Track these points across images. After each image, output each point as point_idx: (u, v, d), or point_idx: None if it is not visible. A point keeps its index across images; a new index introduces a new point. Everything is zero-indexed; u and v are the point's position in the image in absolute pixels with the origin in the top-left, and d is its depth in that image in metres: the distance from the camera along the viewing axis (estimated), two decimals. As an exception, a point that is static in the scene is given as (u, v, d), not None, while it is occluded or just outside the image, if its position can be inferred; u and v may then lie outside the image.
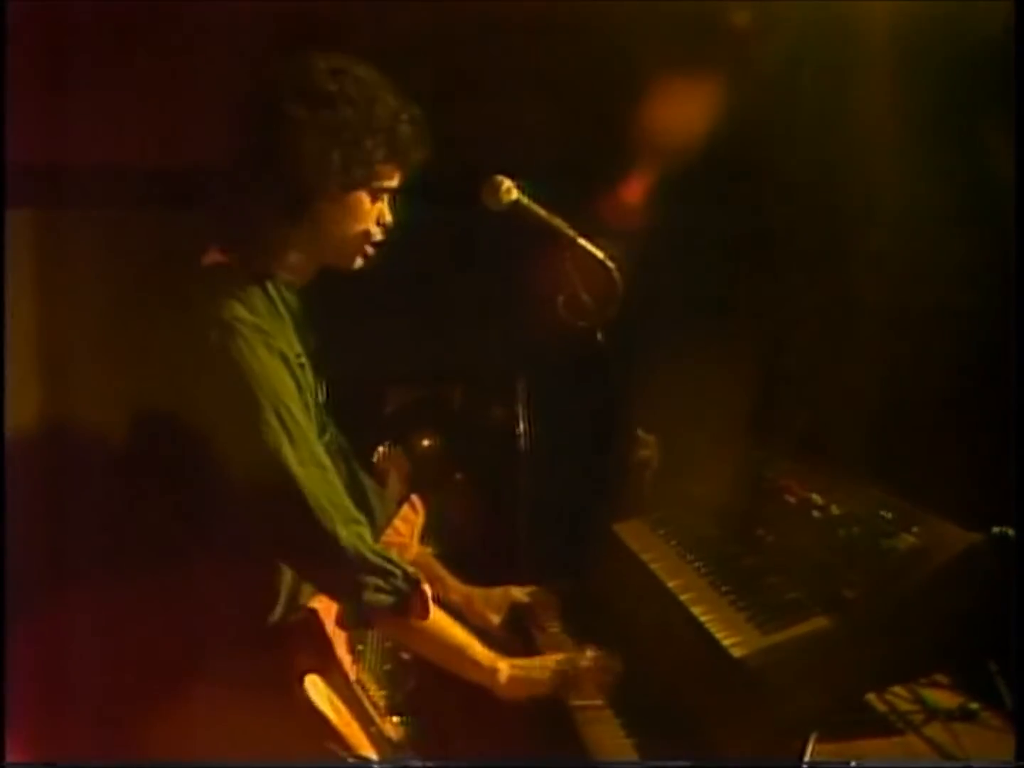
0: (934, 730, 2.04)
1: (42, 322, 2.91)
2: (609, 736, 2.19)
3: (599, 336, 2.45)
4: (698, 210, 3.15)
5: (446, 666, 2.19)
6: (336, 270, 2.20)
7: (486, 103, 3.10)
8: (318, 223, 2.10)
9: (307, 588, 2.09)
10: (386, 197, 2.17)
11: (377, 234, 2.17)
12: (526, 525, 3.26)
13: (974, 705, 2.08)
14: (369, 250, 2.18)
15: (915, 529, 2.16)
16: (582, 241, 2.38)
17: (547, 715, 2.31)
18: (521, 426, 3.37)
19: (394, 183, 2.16)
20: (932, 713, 2.08)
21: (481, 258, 3.25)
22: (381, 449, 2.89)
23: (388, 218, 2.18)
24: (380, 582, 2.00)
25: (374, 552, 2.02)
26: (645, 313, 2.67)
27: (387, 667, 2.29)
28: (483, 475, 3.39)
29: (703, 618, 2.23)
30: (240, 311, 2.01)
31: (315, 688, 1.99)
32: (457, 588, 2.62)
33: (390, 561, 2.04)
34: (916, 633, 2.07)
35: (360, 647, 2.19)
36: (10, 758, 2.03)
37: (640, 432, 2.88)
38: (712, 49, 2.99)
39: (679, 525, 2.69)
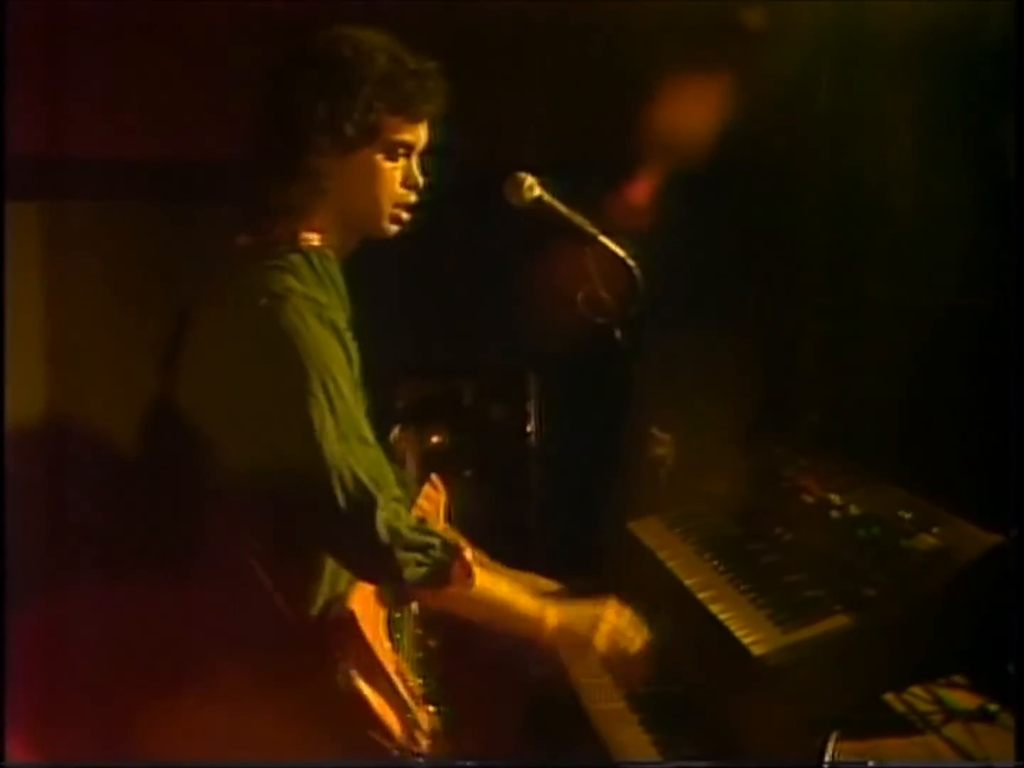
0: (953, 730, 2.04)
1: (44, 314, 2.91)
2: (628, 734, 2.19)
3: (617, 334, 2.45)
4: (714, 209, 3.15)
5: (494, 626, 2.13)
6: (374, 239, 2.12)
7: (506, 101, 3.10)
8: (331, 185, 2.02)
9: (344, 579, 2.06)
10: (411, 157, 2.08)
11: (407, 196, 2.09)
12: (538, 523, 3.27)
13: (993, 706, 2.08)
14: (403, 215, 2.10)
15: (935, 530, 2.17)
16: (603, 239, 2.38)
17: (568, 712, 2.32)
18: (532, 423, 3.37)
19: (410, 138, 2.06)
20: (951, 714, 2.08)
21: (498, 254, 3.25)
22: (396, 430, 2.88)
23: (418, 179, 2.09)
24: (420, 557, 1.95)
25: (411, 528, 1.96)
26: (661, 311, 2.67)
27: (419, 655, 2.27)
28: (494, 472, 3.39)
29: (722, 616, 2.24)
30: (291, 281, 1.96)
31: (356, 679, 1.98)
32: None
33: (429, 533, 1.99)
34: (935, 634, 2.08)
35: (398, 636, 2.16)
36: (10, 758, 2.03)
37: (655, 430, 2.88)
38: (726, 49, 3.00)
39: (696, 524, 2.70)
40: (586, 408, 3.28)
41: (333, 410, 1.90)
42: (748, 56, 2.96)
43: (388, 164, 2.05)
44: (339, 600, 2.02)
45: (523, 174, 2.32)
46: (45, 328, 2.90)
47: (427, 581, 1.97)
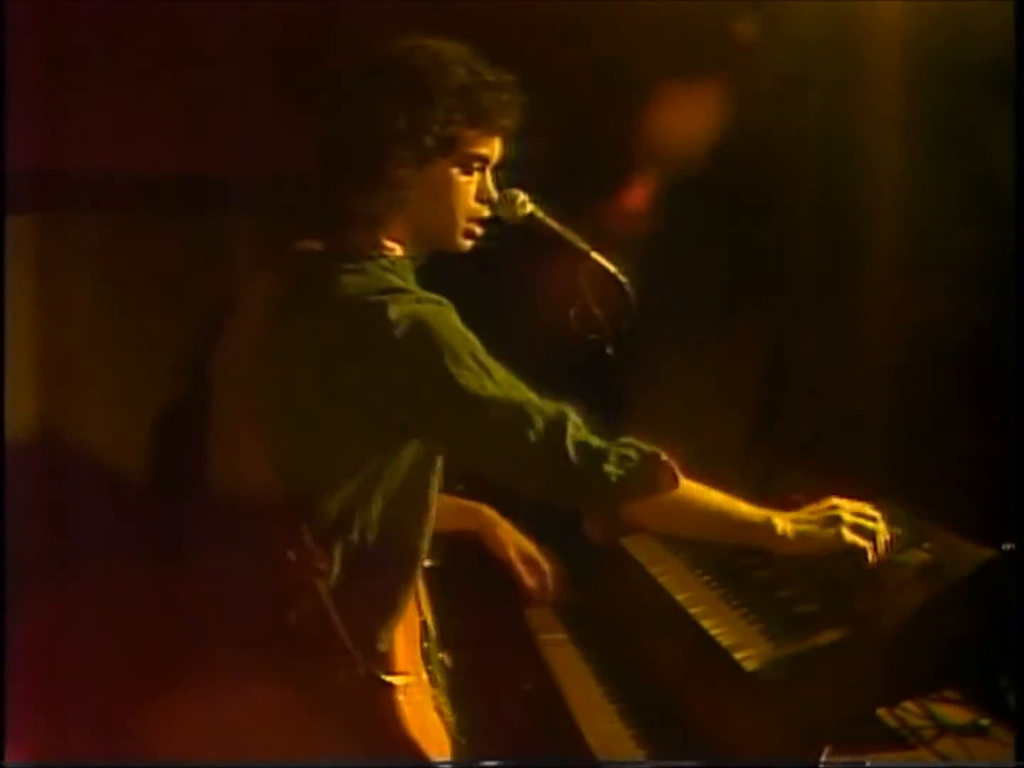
0: (946, 745, 2.04)
1: (43, 329, 2.90)
2: (621, 748, 2.19)
3: (609, 350, 2.46)
4: (703, 220, 3.16)
5: (717, 537, 2.07)
6: (445, 252, 2.09)
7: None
8: (404, 197, 1.99)
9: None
10: (486, 171, 2.06)
11: (481, 210, 2.07)
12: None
13: (985, 721, 2.09)
14: (476, 229, 2.07)
15: (927, 544, 2.17)
16: (596, 255, 2.38)
17: (556, 728, 2.32)
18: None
19: (485, 151, 2.04)
20: (943, 729, 2.08)
21: (491, 268, 3.25)
22: None
23: (492, 193, 2.07)
24: (622, 466, 1.90)
25: (605, 442, 1.92)
26: (651, 324, 2.68)
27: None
28: (486, 485, 3.38)
29: (714, 631, 2.24)
30: (395, 280, 1.94)
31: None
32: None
33: (623, 444, 1.94)
34: (928, 648, 2.08)
35: (431, 667, 2.15)
36: (10, 758, 2.02)
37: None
38: (717, 58, 3.00)
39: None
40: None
41: (488, 372, 1.88)
42: (739, 65, 2.97)
43: (463, 178, 2.03)
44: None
45: (515, 190, 2.33)
46: (45, 341, 2.90)
47: (637, 488, 1.91)
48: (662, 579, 2.53)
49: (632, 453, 1.93)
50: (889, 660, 2.08)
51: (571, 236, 2.37)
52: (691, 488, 1.98)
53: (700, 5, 2.92)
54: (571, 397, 3.08)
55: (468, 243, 2.08)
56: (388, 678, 1.97)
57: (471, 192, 2.05)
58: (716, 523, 2.01)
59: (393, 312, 1.86)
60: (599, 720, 2.29)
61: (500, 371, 1.92)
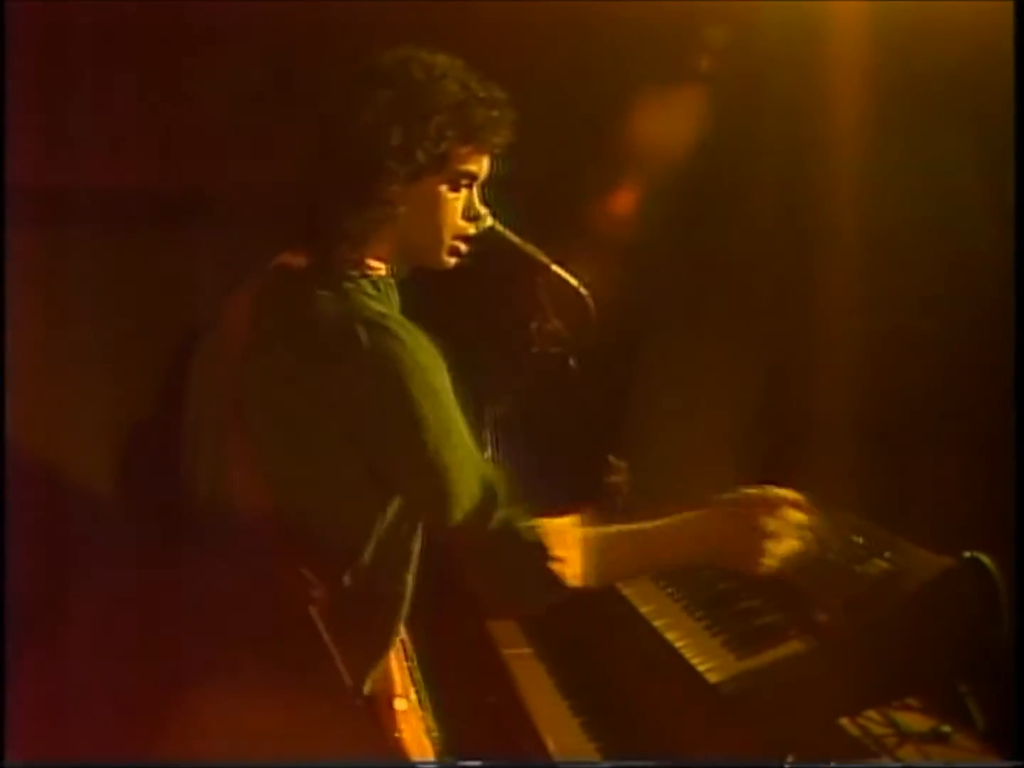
0: (907, 752, 2.05)
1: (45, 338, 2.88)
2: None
3: (572, 363, 2.46)
4: (671, 232, 3.16)
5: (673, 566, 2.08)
6: (429, 270, 2.07)
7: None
8: (394, 213, 1.96)
9: None
10: (473, 188, 2.04)
11: (467, 228, 2.04)
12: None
13: (946, 728, 2.09)
14: (462, 247, 2.05)
15: (887, 554, 2.19)
16: (556, 268, 2.39)
17: (520, 742, 2.31)
18: (489, 451, 3.37)
19: (475, 168, 2.01)
20: (905, 736, 2.09)
21: (451, 282, 3.25)
22: None
23: (479, 211, 2.05)
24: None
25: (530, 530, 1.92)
26: (617, 338, 2.68)
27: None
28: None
29: (678, 644, 2.25)
30: (379, 305, 1.92)
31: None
32: None
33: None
34: (889, 657, 2.09)
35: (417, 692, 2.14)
36: (10, 758, 2.00)
37: (611, 458, 2.89)
38: (688, 66, 3.02)
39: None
40: (542, 436, 3.28)
41: (447, 433, 1.86)
42: (711, 73, 2.99)
43: (451, 195, 2.00)
44: None
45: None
46: (45, 352, 2.88)
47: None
48: (626, 591, 2.53)
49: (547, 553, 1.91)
50: (851, 669, 2.09)
51: (531, 249, 2.36)
52: (606, 540, 1.98)
53: (669, 15, 2.94)
54: (533, 413, 3.11)
55: (452, 260, 2.06)
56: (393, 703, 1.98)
57: (458, 209, 2.02)
58: (648, 559, 2.01)
59: (364, 341, 1.83)
60: (563, 734, 2.29)
61: (458, 431, 1.89)
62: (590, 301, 2.39)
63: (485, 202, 2.08)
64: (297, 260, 1.99)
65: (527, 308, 2.43)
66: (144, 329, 2.93)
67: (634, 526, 1.99)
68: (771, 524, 1.96)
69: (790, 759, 1.97)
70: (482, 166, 2.04)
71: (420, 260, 2.06)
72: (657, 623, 2.35)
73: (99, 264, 2.97)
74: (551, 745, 2.27)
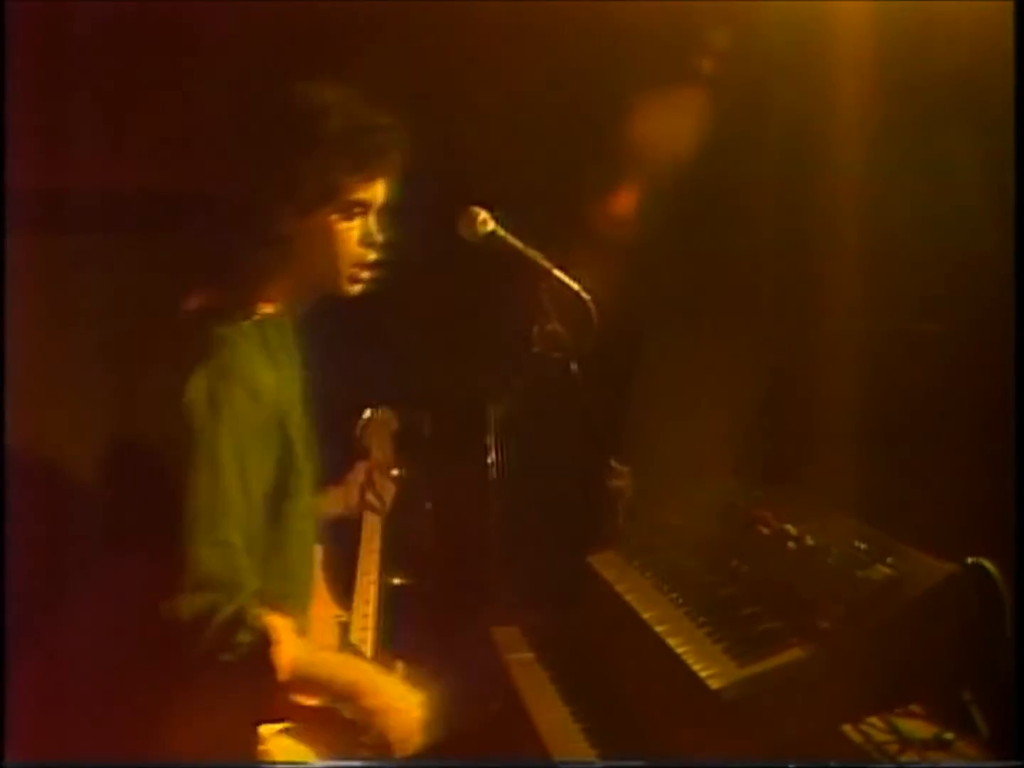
0: (909, 759, 2.04)
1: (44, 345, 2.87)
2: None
3: (573, 367, 2.46)
4: (671, 234, 3.15)
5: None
6: (333, 297, 2.09)
7: (460, 130, 3.10)
8: (292, 248, 1.99)
9: None
10: (368, 214, 2.05)
11: (365, 255, 2.05)
12: (498, 556, 3.26)
13: (948, 735, 2.08)
14: (362, 274, 2.07)
15: (890, 560, 2.18)
16: (558, 273, 2.38)
17: (521, 748, 2.31)
18: (492, 455, 3.36)
19: (366, 196, 2.03)
20: (907, 743, 2.08)
21: (454, 287, 3.25)
22: (366, 415, 2.88)
23: (375, 237, 2.06)
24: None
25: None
26: (618, 340, 2.67)
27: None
28: (453, 505, 3.38)
29: (679, 649, 2.23)
30: (232, 359, 1.95)
31: None
32: None
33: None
34: (891, 663, 2.08)
35: None
36: (10, 758, 2.00)
37: (614, 462, 2.88)
38: (689, 67, 3.01)
39: (654, 556, 2.69)
40: (545, 440, 3.28)
41: (211, 507, 1.88)
42: (710, 76, 2.98)
43: (344, 224, 2.02)
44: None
45: (476, 208, 2.33)
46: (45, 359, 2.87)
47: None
48: (629, 596, 2.52)
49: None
50: (853, 676, 2.08)
51: (532, 254, 2.37)
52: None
53: (672, 16, 2.93)
54: (537, 416, 3.12)
55: (355, 288, 2.06)
56: None
57: (354, 238, 2.03)
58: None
59: (194, 401, 1.89)
60: (565, 740, 2.27)
61: (224, 510, 1.90)
62: (592, 305, 2.39)
63: (383, 228, 2.08)
64: (196, 303, 2.03)
65: (529, 312, 2.43)
66: (144, 330, 2.93)
67: None
68: None
69: (791, 766, 1.97)
70: (375, 193, 2.04)
71: (321, 291, 2.08)
72: (660, 629, 2.33)
73: (99, 267, 2.96)
74: (552, 751, 2.26)
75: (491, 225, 2.32)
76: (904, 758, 2.04)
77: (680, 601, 2.43)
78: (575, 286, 2.38)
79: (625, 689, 2.36)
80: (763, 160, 3.01)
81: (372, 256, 2.07)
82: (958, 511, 2.19)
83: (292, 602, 2.04)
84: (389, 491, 2.79)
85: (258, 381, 1.97)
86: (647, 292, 3.15)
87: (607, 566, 2.74)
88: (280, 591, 2.00)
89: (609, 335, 2.41)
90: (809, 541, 2.36)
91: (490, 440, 3.39)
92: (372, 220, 2.07)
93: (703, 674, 2.13)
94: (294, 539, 2.07)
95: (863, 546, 2.26)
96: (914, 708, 2.16)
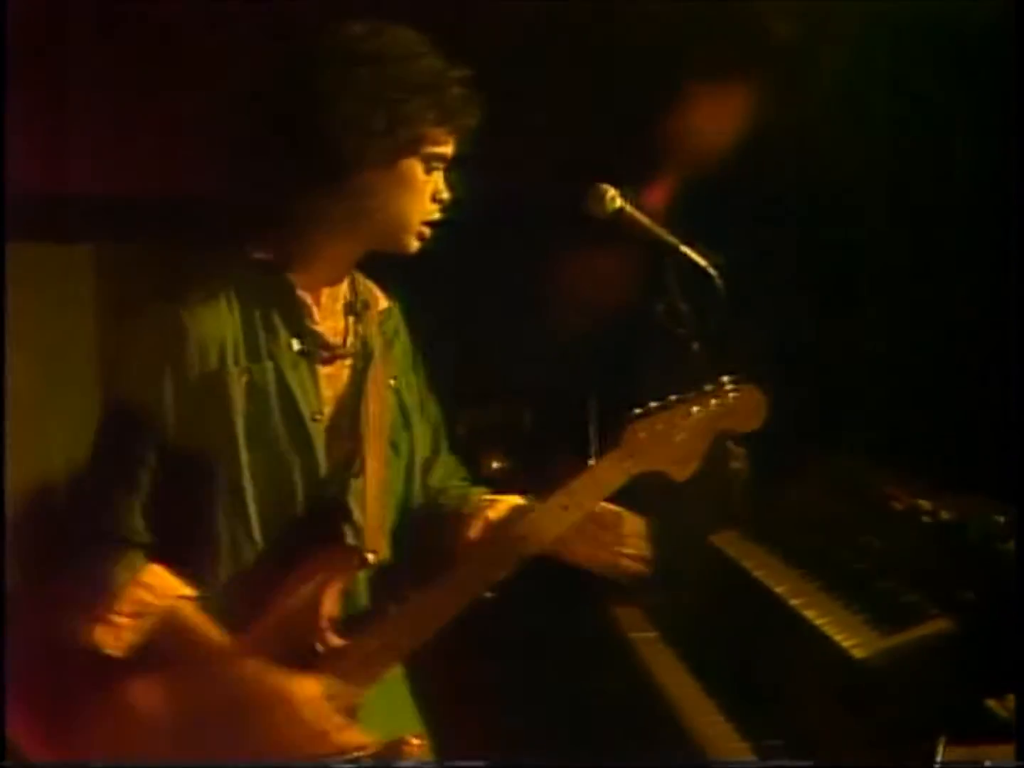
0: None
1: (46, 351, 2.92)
2: (724, 740, 2.17)
3: (695, 347, 2.44)
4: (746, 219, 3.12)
5: None
6: (390, 254, 2.02)
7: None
8: (364, 197, 1.93)
9: None
10: (440, 169, 1.99)
11: (433, 212, 1.99)
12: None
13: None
14: (426, 231, 2.00)
15: (1029, 532, 2.15)
16: (685, 248, 2.37)
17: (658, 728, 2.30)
18: (594, 447, 3.35)
19: (447, 150, 1.98)
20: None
21: (561, 271, 3.24)
22: None
23: (445, 194, 2.00)
24: None
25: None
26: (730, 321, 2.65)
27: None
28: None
29: (818, 621, 2.21)
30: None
31: None
32: None
33: None
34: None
35: None
36: (9, 758, 2.01)
37: (730, 444, 2.86)
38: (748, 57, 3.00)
39: (778, 535, 2.68)
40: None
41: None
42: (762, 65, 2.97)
43: (423, 177, 1.96)
44: None
45: (604, 185, 2.32)
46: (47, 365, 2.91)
47: None
48: (757, 573, 2.51)
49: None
50: (996, 650, 2.05)
51: (659, 231, 2.36)
52: None
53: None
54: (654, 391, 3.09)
55: (417, 245, 2.00)
56: None
57: (428, 192, 1.98)
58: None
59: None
60: (701, 716, 2.26)
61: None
62: (719, 282, 2.37)
63: (450, 186, 2.02)
64: (261, 255, 1.98)
65: (653, 289, 2.42)
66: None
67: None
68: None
69: (942, 744, 1.93)
70: (449, 146, 1.99)
71: (385, 246, 2.01)
72: (794, 602, 2.32)
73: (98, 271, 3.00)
74: (689, 729, 2.24)
75: (619, 202, 2.31)
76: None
77: (810, 577, 2.42)
78: (703, 262, 2.37)
79: (757, 664, 2.34)
80: (763, 160, 2.98)
81: (438, 214, 2.01)
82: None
83: None
84: None
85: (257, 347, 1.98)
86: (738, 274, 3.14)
87: (730, 545, 2.73)
88: None
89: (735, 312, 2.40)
90: (944, 515, 2.33)
91: (592, 431, 3.38)
92: (442, 176, 2.01)
93: (845, 644, 2.11)
94: None
95: (1001, 520, 2.23)
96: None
